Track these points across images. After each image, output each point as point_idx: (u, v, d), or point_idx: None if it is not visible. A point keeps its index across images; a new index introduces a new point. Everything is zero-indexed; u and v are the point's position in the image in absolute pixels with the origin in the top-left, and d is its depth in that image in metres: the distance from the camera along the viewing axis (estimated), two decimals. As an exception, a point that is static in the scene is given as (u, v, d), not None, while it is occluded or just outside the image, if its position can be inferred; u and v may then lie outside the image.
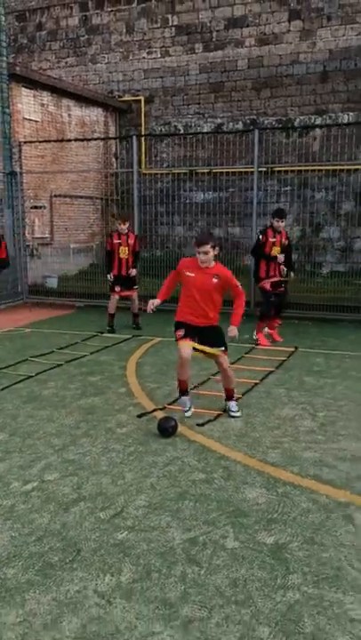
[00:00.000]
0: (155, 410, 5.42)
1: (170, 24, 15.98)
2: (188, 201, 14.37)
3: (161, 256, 12.91)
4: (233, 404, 5.31)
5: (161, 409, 5.45)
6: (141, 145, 15.26)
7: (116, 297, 9.01)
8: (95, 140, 14.70)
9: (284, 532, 3.33)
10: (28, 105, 13.23)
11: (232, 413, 5.24)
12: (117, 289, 8.98)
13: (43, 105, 13.77)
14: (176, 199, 14.21)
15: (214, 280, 5.00)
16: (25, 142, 12.09)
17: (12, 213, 11.97)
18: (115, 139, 16.18)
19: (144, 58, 16.31)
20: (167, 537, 3.29)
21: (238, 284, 5.10)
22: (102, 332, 8.94)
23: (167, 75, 16.15)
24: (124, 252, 8.86)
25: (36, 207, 13.65)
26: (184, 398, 5.33)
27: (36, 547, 3.22)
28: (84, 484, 3.96)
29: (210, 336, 5.12)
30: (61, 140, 13.41)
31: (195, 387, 6.03)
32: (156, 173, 15.26)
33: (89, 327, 9.40)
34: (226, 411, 5.30)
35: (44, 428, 5.03)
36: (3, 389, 6.13)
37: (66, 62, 17.27)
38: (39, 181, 13.48)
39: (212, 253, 4.96)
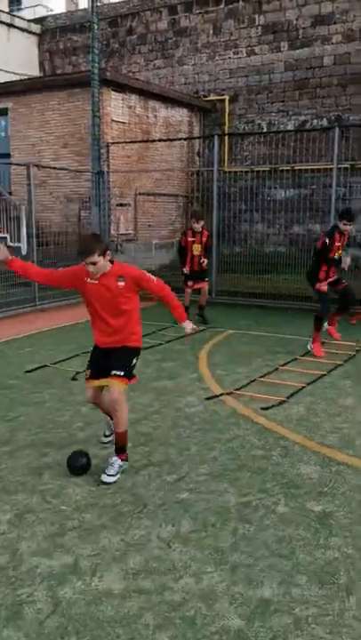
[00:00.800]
0: (222, 394, 5.79)
1: (256, 23, 16.21)
2: (269, 198, 14.58)
3: (240, 252, 13.23)
4: (115, 463, 3.98)
5: (228, 394, 5.82)
6: (224, 143, 15.62)
7: (189, 291, 9.48)
8: (179, 140, 15.21)
9: (332, 502, 3.61)
10: (117, 107, 13.93)
11: (105, 478, 3.90)
12: (190, 283, 9.44)
13: (130, 107, 14.43)
14: (257, 196, 14.46)
15: (120, 284, 3.95)
16: (112, 143, 12.77)
17: (99, 211, 12.71)
18: (197, 138, 16.62)
19: (230, 58, 16.63)
20: (224, 499, 3.67)
21: (152, 277, 4.13)
22: (177, 323, 9.39)
23: (252, 73, 16.39)
24: (197, 250, 9.27)
25: (121, 205, 14.35)
26: (108, 421, 4.49)
27: (110, 499, 3.70)
28: (153, 453, 4.42)
29: (111, 359, 4.08)
30: (146, 141, 14.03)
31: (262, 376, 6.35)
32: (238, 171, 15.56)
33: (165, 319, 9.85)
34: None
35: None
36: (83, 371, 6.70)
37: (154, 65, 17.90)
38: (125, 180, 14.15)
39: (101, 261, 3.88)
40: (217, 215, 11.63)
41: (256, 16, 16.12)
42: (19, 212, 12.69)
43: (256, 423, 5.02)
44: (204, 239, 9.32)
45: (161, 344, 8.03)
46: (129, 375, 4.06)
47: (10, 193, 14.11)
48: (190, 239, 9.29)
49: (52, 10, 26.63)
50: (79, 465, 4.05)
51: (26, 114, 14.67)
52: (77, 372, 6.58)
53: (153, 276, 4.16)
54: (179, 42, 17.37)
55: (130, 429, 4.80)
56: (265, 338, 8.44)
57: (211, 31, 16.81)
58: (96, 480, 3.95)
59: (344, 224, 7.24)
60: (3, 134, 15.59)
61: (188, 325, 4.45)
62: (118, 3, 19.54)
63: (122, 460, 4.03)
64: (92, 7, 12.37)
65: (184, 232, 9.69)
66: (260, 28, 16.16)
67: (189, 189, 16.34)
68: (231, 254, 12.80)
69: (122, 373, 3.99)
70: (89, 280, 3.99)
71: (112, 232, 13.37)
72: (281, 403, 5.51)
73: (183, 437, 4.72)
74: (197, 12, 16.92)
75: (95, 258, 3.85)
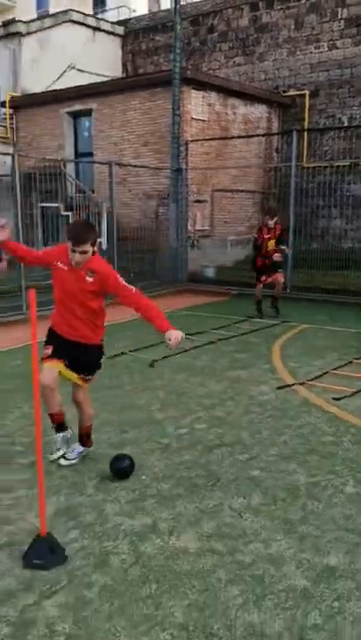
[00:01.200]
0: (294, 384, 5.95)
1: (339, 17, 16.02)
2: (348, 194, 14.43)
3: (318, 248, 13.19)
4: (76, 449, 4.18)
5: (300, 384, 5.96)
6: (303, 139, 15.56)
7: (260, 286, 9.66)
8: (257, 136, 15.30)
9: None
10: (197, 105, 14.21)
11: (63, 461, 4.10)
12: (263, 278, 9.60)
13: (210, 105, 14.67)
14: (336, 192, 14.34)
15: (88, 278, 3.75)
16: (191, 141, 13.07)
17: (177, 207, 13.05)
18: (276, 134, 16.64)
19: (311, 52, 16.52)
20: (293, 478, 3.87)
21: (127, 285, 3.76)
22: (252, 317, 9.58)
23: (333, 67, 16.22)
24: (271, 245, 9.38)
25: (198, 201, 14.64)
26: (57, 436, 4.14)
27: (185, 472, 3.98)
28: (226, 435, 4.66)
29: (78, 358, 3.97)
30: (225, 138, 14.23)
31: (335, 368, 6.45)
32: (317, 167, 15.46)
33: (240, 312, 10.09)
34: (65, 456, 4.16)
35: (196, 391, 5.82)
36: (162, 359, 7.05)
37: (234, 62, 18.05)
38: (202, 177, 14.42)
39: (90, 251, 3.73)
40: (294, 211, 11.68)
41: (339, 9, 15.93)
42: (100, 208, 13.28)
43: (327, 412, 5.15)
44: (278, 233, 9.45)
45: (235, 336, 8.24)
46: (92, 373, 4.12)
47: (92, 191, 14.75)
48: (267, 236, 9.41)
49: (134, 10, 27.37)
50: (124, 466, 3.94)
51: (109, 114, 15.25)
52: (154, 360, 6.91)
53: (129, 286, 3.75)
54: (260, 38, 17.43)
55: (204, 413, 5.07)
56: (339, 333, 8.48)
57: (292, 26, 16.76)
58: (172, 456, 4.24)
59: None
60: (86, 134, 16.27)
61: (173, 334, 3.61)
62: (201, 1, 19.82)
63: (87, 447, 4.22)
64: (175, 7, 12.71)
65: (259, 228, 9.82)
66: (342, 21, 15.95)
67: (267, 185, 16.40)
68: (308, 250, 12.79)
69: (90, 376, 4.10)
70: (59, 264, 3.81)
71: (189, 228, 13.69)
72: (354, 394, 5.60)
73: (255, 422, 4.94)
74: (279, 7, 16.91)
75: (87, 247, 3.68)
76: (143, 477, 3.93)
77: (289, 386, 5.91)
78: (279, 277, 9.64)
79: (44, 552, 3.02)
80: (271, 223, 9.34)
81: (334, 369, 6.44)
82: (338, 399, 5.47)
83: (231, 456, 4.25)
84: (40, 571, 2.93)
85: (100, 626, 2.55)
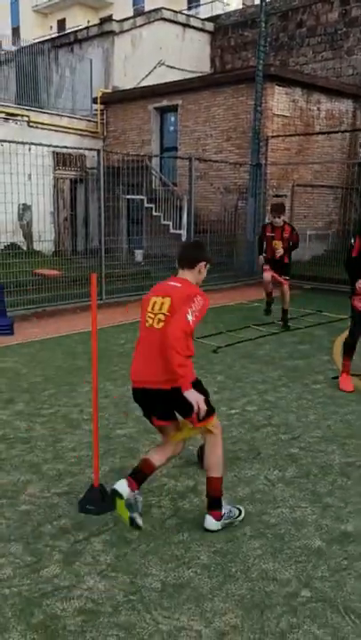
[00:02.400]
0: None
1: None
2: None
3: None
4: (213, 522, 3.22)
5: (356, 375, 6.13)
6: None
7: (268, 278, 8.66)
8: (339, 132, 15.20)
9: None
10: (280, 102, 14.32)
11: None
12: (266, 267, 8.59)
13: (294, 100, 14.74)
14: None
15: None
16: (272, 136, 13.24)
17: (255, 201, 13.30)
18: (356, 131, 16.40)
19: None
20: (329, 458, 4.14)
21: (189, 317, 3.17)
22: (321, 311, 9.71)
23: None
24: (278, 246, 8.37)
25: (277, 196, 14.78)
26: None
27: (230, 446, 4.35)
28: (274, 417, 4.97)
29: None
30: (305, 134, 14.26)
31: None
32: None
33: (310, 306, 10.23)
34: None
35: (253, 377, 6.14)
36: (226, 346, 7.41)
37: (322, 56, 17.93)
38: (283, 172, 14.54)
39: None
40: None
41: None
42: (181, 201, 13.77)
43: (377, 402, 5.33)
44: (286, 235, 8.37)
45: (300, 328, 8.45)
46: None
47: (174, 184, 15.28)
48: (269, 234, 8.45)
49: (228, 4, 27.61)
50: None
51: (194, 110, 15.68)
52: (218, 347, 7.28)
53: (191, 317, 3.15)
54: (349, 32, 17.21)
55: (256, 397, 5.39)
56: None
57: (383, 19, 16.43)
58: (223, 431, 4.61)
59: None
60: (172, 129, 16.80)
61: (193, 396, 3.00)
62: (291, -4, 19.76)
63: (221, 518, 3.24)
64: (261, 6, 12.90)
65: (263, 226, 8.97)
66: None
67: (350, 181, 16.23)
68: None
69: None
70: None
71: (266, 222, 13.86)
72: None
73: (304, 407, 5.21)
74: (370, 0, 16.62)
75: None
76: (191, 447, 4.33)
77: (344, 377, 6.09)
78: (285, 287, 8.60)
79: (95, 499, 3.50)
80: (278, 221, 8.33)
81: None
82: (390, 392, 5.61)
83: (275, 435, 4.57)
84: (91, 515, 3.41)
85: (136, 560, 2.99)
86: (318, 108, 15.43)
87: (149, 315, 3.25)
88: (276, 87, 14.15)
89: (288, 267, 8.70)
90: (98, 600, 2.69)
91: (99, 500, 3.50)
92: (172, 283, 3.38)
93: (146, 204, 14.87)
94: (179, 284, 3.34)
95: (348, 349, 5.81)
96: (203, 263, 3.43)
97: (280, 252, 8.39)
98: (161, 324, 3.18)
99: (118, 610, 2.62)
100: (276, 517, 3.36)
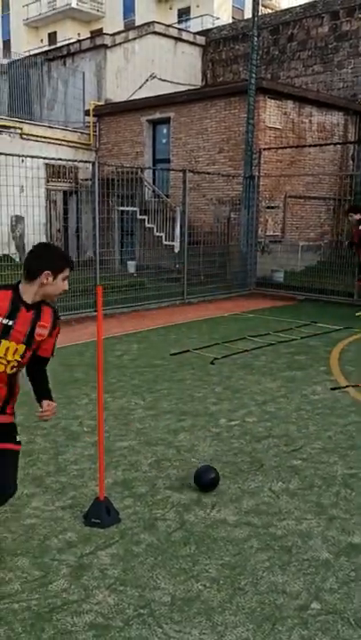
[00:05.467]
0: (348, 386, 6.17)
1: None
2: None
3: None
4: None
5: (354, 386, 6.17)
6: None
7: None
8: (330, 144, 15.37)
9: None
10: (272, 114, 14.49)
11: None
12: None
13: (285, 113, 14.91)
14: None
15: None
16: (265, 149, 13.36)
17: (248, 213, 13.39)
18: (350, 143, 16.61)
19: (390, 60, 16.41)
20: (332, 469, 4.15)
21: None
22: (315, 322, 9.77)
23: None
24: None
25: (270, 207, 14.90)
26: None
27: (232, 458, 4.35)
28: (275, 428, 4.99)
29: None
30: (298, 146, 14.41)
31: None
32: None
33: (305, 317, 10.30)
34: None
35: (251, 388, 6.16)
36: (223, 357, 7.43)
37: (312, 70, 18.17)
38: (275, 183, 14.67)
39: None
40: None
41: None
42: (174, 213, 13.84)
43: (375, 413, 5.36)
44: None
45: (296, 339, 8.49)
46: None
47: (167, 196, 15.35)
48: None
49: (218, 18, 27.93)
50: (209, 480, 3.88)
51: (186, 122, 15.81)
52: (215, 359, 7.30)
53: None
54: (339, 46, 17.48)
55: (255, 408, 5.40)
56: None
57: (372, 34, 16.69)
58: (221, 444, 4.62)
59: None
60: (164, 141, 16.92)
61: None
62: (281, 11, 20.06)
63: None
64: (253, 20, 13.07)
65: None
66: None
67: (342, 193, 16.39)
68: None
69: None
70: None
71: (259, 233, 13.97)
72: None
73: (304, 418, 5.23)
74: (359, 16, 16.89)
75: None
76: (193, 460, 4.34)
77: (342, 387, 6.13)
78: None
79: (101, 513, 3.49)
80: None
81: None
82: (388, 402, 5.65)
83: (276, 447, 4.58)
84: (97, 528, 3.40)
85: (144, 574, 2.98)
86: (310, 121, 15.61)
87: None
88: (268, 100, 14.31)
89: None
90: (108, 614, 2.68)
91: (104, 513, 3.49)
92: None
93: (139, 216, 14.93)
94: None
95: None
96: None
97: None
98: None
99: (129, 624, 2.61)
100: (282, 529, 3.36)
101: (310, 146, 14.76)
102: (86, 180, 15.13)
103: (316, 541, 3.23)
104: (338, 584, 2.87)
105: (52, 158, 12.91)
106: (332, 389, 6.07)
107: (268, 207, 14.65)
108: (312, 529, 3.36)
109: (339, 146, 16.38)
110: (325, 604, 2.74)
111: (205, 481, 3.84)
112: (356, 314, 9.98)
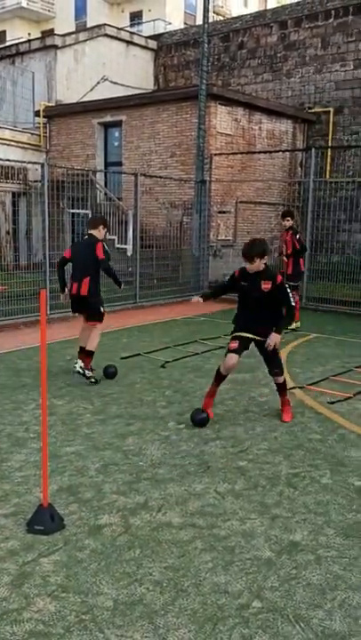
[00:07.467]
0: (294, 387, 6.29)
1: (366, 36, 16.35)
2: (369, 209, 14.66)
3: (338, 262, 13.43)
4: None
5: (299, 387, 6.30)
6: (327, 154, 15.87)
7: None
8: (280, 151, 15.67)
9: (374, 481, 4.05)
10: (223, 120, 14.65)
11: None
12: None
13: (236, 120, 15.11)
14: (358, 207, 14.59)
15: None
16: (216, 154, 13.50)
17: (200, 217, 13.49)
18: (298, 150, 16.98)
19: (337, 70, 16.86)
20: (276, 469, 4.22)
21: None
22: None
23: (358, 86, 16.53)
24: None
25: (222, 212, 15.05)
26: None
27: (179, 461, 4.37)
28: (222, 430, 5.03)
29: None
30: (248, 152, 14.62)
31: (335, 375, 6.75)
32: (340, 181, 15.74)
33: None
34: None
35: (201, 391, 6.18)
36: (174, 361, 7.45)
37: (262, 78, 18.48)
38: (227, 189, 14.84)
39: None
40: (311, 225, 11.99)
41: (366, 28, 16.24)
42: (126, 216, 13.81)
43: (319, 413, 5.48)
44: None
45: (245, 342, 8.58)
46: None
47: (120, 199, 15.31)
48: None
49: (170, 23, 28.04)
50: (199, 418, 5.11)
51: (138, 125, 15.80)
52: (166, 362, 7.31)
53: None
54: (287, 55, 17.84)
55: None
56: (348, 343, 8.77)
57: (319, 45, 17.13)
58: (170, 447, 4.63)
59: None
60: (116, 144, 16.87)
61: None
62: (232, 19, 20.33)
63: None
64: (203, 27, 13.20)
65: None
66: (369, 40, 16.27)
67: (291, 198, 16.72)
68: (328, 263, 13.04)
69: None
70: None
71: (211, 237, 14.10)
72: (347, 398, 5.92)
73: (251, 420, 5.30)
74: (307, 26, 17.31)
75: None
76: (140, 463, 4.33)
77: (290, 389, 6.23)
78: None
79: (44, 519, 3.43)
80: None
81: (334, 375, 6.75)
82: (332, 403, 5.79)
83: (223, 448, 4.62)
84: (40, 535, 3.35)
85: (87, 579, 2.95)
86: (260, 128, 15.87)
87: None
88: (219, 106, 14.47)
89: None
90: (49, 622, 2.64)
91: (48, 519, 3.44)
92: None
93: (90, 219, 14.80)
94: None
95: None
96: None
97: None
98: None
99: (70, 630, 2.58)
100: (226, 530, 3.39)
101: (260, 152, 15.01)
102: (36, 181, 14.91)
103: (258, 541, 3.28)
104: (279, 582, 2.92)
105: (0, 159, 12.66)
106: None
107: (219, 212, 14.80)
108: (255, 528, 3.41)
109: (288, 153, 16.72)
110: (267, 602, 2.78)
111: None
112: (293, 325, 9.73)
